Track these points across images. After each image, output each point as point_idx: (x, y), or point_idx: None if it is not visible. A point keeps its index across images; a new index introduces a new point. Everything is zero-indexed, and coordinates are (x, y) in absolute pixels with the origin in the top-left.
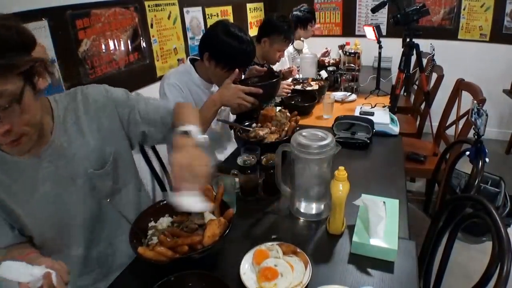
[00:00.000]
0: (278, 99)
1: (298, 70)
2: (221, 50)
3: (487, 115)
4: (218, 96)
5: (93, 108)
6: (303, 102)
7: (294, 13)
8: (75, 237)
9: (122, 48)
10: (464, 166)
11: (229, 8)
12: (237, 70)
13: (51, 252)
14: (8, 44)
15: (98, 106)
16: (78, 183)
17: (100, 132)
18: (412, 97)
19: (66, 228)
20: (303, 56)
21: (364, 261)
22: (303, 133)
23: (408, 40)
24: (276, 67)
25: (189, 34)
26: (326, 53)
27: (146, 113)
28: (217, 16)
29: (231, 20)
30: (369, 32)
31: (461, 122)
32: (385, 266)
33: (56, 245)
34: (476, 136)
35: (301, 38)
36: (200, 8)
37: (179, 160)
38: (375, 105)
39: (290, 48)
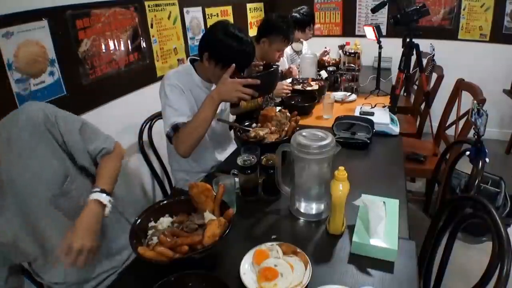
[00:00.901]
0: (278, 99)
1: (298, 71)
2: (221, 51)
3: (487, 115)
4: (216, 92)
5: (37, 130)
6: (303, 102)
7: (294, 14)
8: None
9: (122, 48)
10: (464, 166)
11: (229, 8)
12: (233, 65)
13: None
14: None
15: (45, 128)
16: (45, 209)
17: (50, 152)
18: (412, 97)
19: (49, 246)
20: (303, 56)
21: (364, 261)
22: (303, 133)
23: (408, 40)
24: None
25: (189, 34)
26: (325, 53)
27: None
28: (217, 16)
29: (231, 20)
30: (369, 32)
31: (461, 122)
32: (385, 266)
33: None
34: (476, 136)
35: (300, 40)
36: (200, 8)
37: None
38: (375, 105)
39: (288, 49)
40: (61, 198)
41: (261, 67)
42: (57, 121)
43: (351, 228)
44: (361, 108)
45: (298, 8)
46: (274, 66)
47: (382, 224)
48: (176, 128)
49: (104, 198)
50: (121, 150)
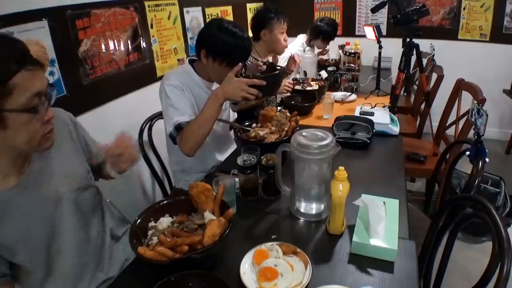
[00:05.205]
0: (278, 99)
1: (298, 72)
2: (216, 46)
3: (487, 115)
4: (221, 90)
5: (63, 128)
6: (303, 102)
7: (319, 24)
8: (65, 249)
9: (122, 48)
10: (464, 166)
11: (229, 8)
12: (240, 64)
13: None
14: None
15: (69, 128)
16: (62, 203)
17: (75, 149)
18: (412, 97)
19: (55, 246)
20: (302, 56)
21: (364, 261)
22: (303, 133)
23: (408, 40)
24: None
25: (189, 34)
26: (324, 52)
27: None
28: (217, 16)
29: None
30: (369, 32)
31: (461, 122)
32: (385, 266)
33: (46, 259)
34: (476, 136)
35: (314, 46)
36: (200, 8)
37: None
38: (375, 105)
39: (296, 47)
40: (83, 192)
41: (264, 66)
42: (76, 124)
43: (351, 228)
44: (361, 108)
45: (321, 17)
46: (278, 68)
47: (382, 224)
48: (179, 127)
49: None
50: None
